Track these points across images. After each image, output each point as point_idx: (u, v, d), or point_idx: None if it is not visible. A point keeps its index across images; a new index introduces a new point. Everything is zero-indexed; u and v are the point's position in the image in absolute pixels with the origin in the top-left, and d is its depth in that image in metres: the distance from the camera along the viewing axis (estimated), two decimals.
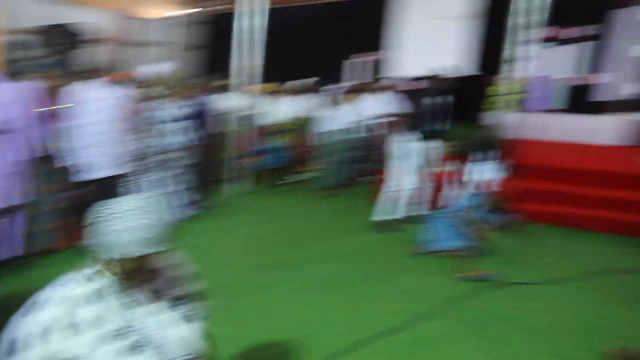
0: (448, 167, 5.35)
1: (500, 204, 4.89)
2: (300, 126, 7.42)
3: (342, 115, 6.80)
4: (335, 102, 6.82)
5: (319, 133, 6.90)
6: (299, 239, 5.19)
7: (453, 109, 5.25)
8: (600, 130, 8.60)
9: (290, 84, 7.93)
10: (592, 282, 4.26)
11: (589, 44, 9.27)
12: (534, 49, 9.43)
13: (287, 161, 7.48)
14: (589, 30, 9.22)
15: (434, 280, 4.23)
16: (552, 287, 4.14)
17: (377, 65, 11.11)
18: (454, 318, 3.62)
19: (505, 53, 5.90)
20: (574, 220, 5.56)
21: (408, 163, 5.19)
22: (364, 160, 7.35)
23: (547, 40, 9.44)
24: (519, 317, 3.62)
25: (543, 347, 3.26)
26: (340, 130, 6.75)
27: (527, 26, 5.82)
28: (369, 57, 11.31)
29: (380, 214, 5.45)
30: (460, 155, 5.17)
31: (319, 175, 7.10)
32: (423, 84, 5.62)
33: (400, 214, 5.41)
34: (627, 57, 9.08)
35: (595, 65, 9.32)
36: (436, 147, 5.45)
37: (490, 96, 6.27)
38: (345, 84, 8.92)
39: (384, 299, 3.90)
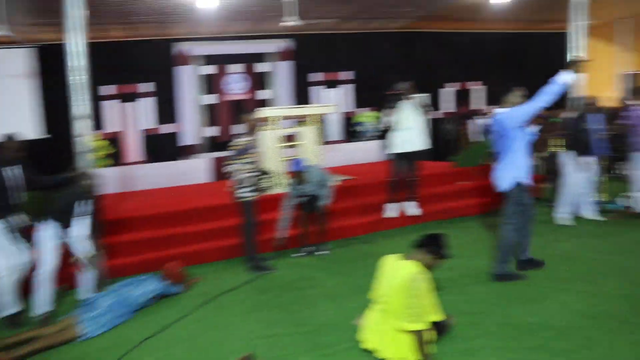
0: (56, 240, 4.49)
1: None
2: None
3: None
4: None
5: None
6: None
7: (31, 175, 4.51)
8: (191, 171, 9.37)
9: None
10: (211, 309, 4.36)
11: (164, 96, 10.03)
12: (107, 104, 9.56)
13: None
14: (155, 85, 9.97)
15: None
16: (176, 328, 4.01)
17: None
18: None
19: (77, 110, 5.56)
20: (188, 257, 5.67)
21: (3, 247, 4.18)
22: None
23: (115, 97, 9.72)
24: None
25: None
26: None
27: (91, 84, 5.69)
28: None
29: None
30: (56, 221, 4.43)
31: None
32: None
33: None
34: (199, 106, 10.28)
35: (173, 115, 10.13)
36: (20, 221, 4.50)
37: (75, 154, 5.73)
38: None
39: None
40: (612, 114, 7.45)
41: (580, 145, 6.10)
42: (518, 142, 4.26)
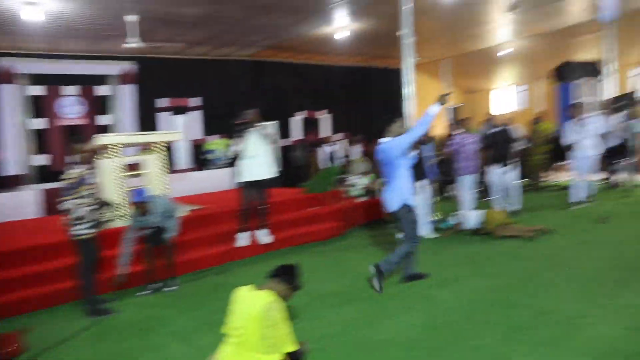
0: None
1: None
2: None
3: None
4: None
5: None
6: None
7: None
8: (16, 205, 8.20)
9: None
10: None
11: None
12: None
13: None
14: None
15: None
16: None
17: None
18: None
19: None
20: (13, 306, 4.86)
21: None
22: None
23: None
24: None
25: None
26: None
27: None
28: None
29: None
30: None
31: None
32: None
33: None
34: (25, 131, 9.12)
35: None
36: None
37: None
38: None
39: None
40: (441, 143, 8.34)
41: (416, 170, 6.67)
42: (402, 167, 4.69)
